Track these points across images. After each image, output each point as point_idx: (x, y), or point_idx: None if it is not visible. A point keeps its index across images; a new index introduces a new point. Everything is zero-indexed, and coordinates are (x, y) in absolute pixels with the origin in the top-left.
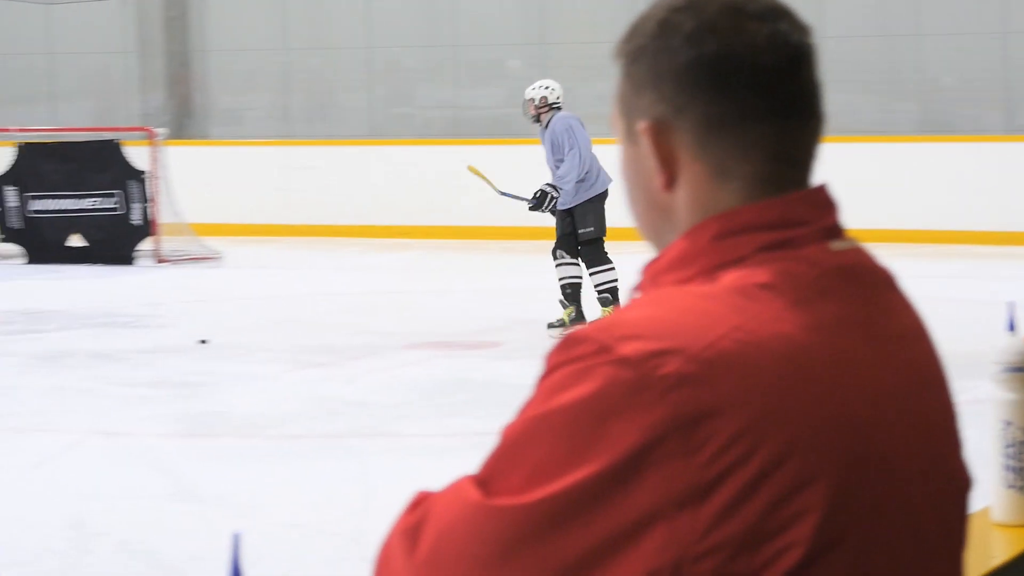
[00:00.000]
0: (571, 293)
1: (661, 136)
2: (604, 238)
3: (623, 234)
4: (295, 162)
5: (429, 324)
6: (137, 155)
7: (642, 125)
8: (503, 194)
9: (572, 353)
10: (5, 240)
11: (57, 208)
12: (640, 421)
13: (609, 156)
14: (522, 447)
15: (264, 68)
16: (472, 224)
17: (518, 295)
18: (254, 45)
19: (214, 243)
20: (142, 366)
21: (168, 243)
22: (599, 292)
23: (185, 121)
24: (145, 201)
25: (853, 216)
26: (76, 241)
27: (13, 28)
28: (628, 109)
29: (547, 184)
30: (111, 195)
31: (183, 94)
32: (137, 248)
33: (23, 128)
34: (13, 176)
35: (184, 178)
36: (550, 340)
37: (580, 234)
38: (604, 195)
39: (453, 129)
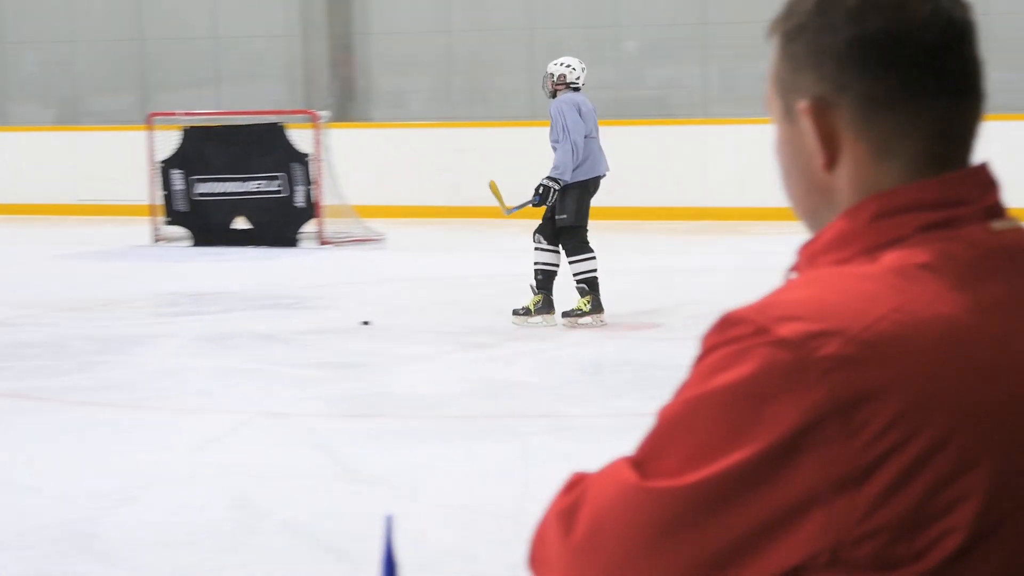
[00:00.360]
0: (541, 280)
1: (822, 115)
2: (584, 226)
3: (778, 214)
4: (457, 144)
5: None
6: (300, 138)
7: (802, 105)
8: (511, 211)
9: (729, 334)
10: (171, 223)
11: (222, 191)
12: (798, 403)
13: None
14: (679, 429)
15: (426, 50)
16: (633, 205)
17: (679, 275)
18: (416, 28)
19: (377, 225)
20: (305, 347)
21: (331, 225)
22: (576, 282)
23: (348, 104)
24: (308, 183)
25: (1015, 196)
26: (240, 223)
27: (179, 14)
28: (785, 88)
29: (546, 178)
30: (275, 178)
31: (346, 77)
32: (301, 230)
33: (189, 112)
34: (179, 159)
35: (347, 160)
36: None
37: (556, 220)
38: (590, 183)
39: (614, 110)
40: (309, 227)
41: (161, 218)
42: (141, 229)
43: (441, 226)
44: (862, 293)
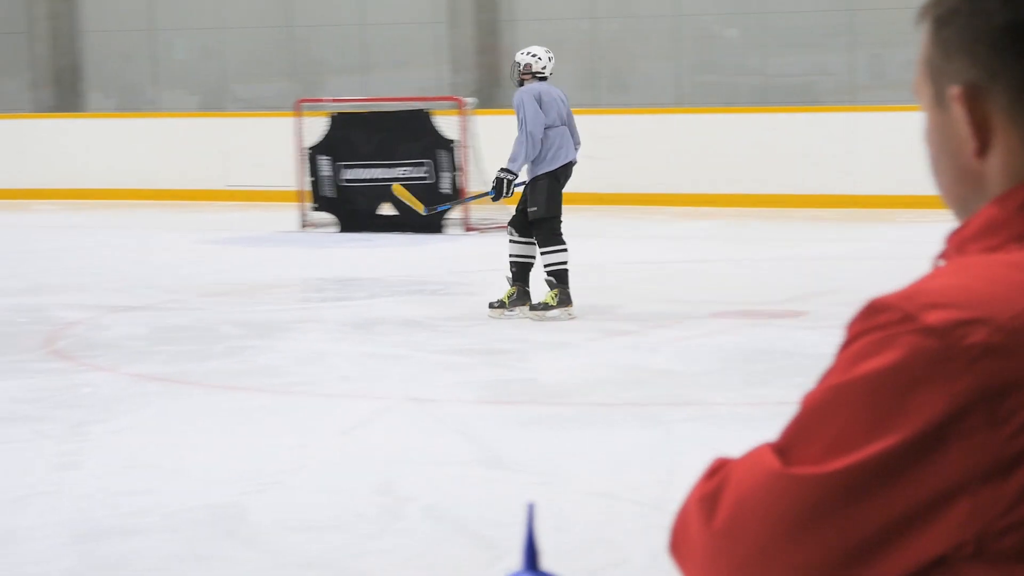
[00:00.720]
0: (516, 272)
1: (974, 102)
2: (557, 217)
3: (925, 201)
4: (601, 131)
5: (734, 293)
6: (446, 124)
7: (954, 91)
8: (429, 212)
9: (875, 321)
10: (318, 209)
11: (368, 177)
12: (944, 392)
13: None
14: (823, 416)
15: (571, 37)
16: (778, 192)
17: (824, 263)
18: (561, 14)
19: None
20: (450, 333)
21: (476, 211)
22: (546, 273)
23: (494, 90)
24: (454, 170)
25: None
26: (387, 210)
27: (328, 1)
28: (936, 74)
29: (500, 170)
30: (421, 164)
31: (492, 63)
32: (446, 217)
33: (336, 99)
34: (326, 146)
35: (492, 147)
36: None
37: (528, 212)
38: (558, 172)
39: (761, 97)
40: (454, 214)
41: (308, 204)
42: (288, 215)
43: (585, 213)
44: (1011, 281)
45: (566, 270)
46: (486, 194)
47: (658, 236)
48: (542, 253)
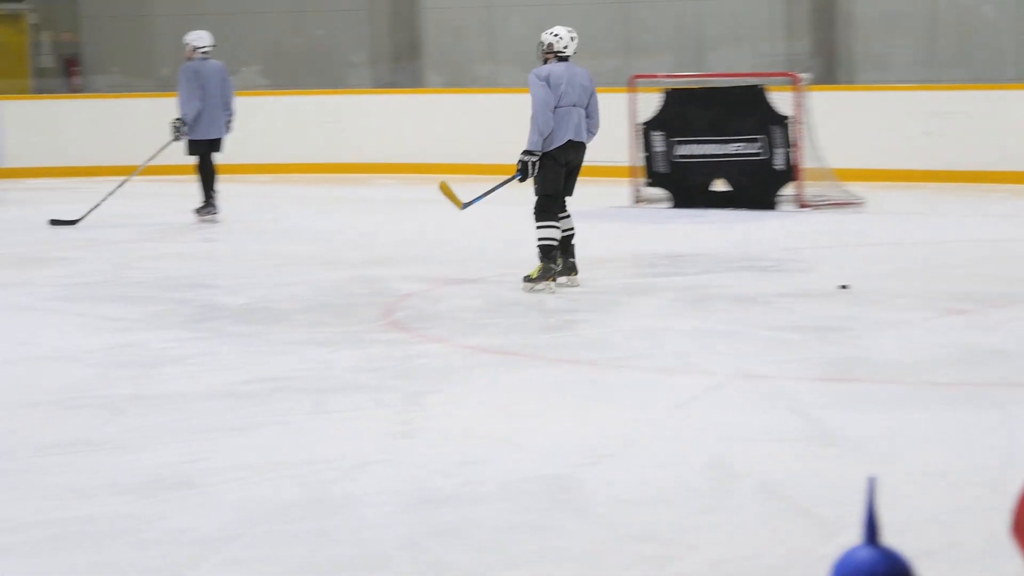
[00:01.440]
0: (550, 248)
1: None
2: (551, 195)
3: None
4: (941, 107)
5: None
6: (781, 100)
7: None
8: (467, 205)
9: None
10: (651, 184)
11: (702, 153)
12: None
13: None
14: None
15: (910, 11)
16: None
17: None
18: None
19: (856, 189)
20: (783, 310)
21: (810, 188)
22: (537, 248)
23: (829, 66)
24: (788, 146)
25: None
26: (719, 186)
27: None
28: None
29: (522, 152)
30: (755, 140)
31: (827, 39)
32: (779, 193)
33: (670, 75)
34: (660, 121)
35: (827, 123)
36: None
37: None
38: (557, 152)
39: None
40: (788, 190)
41: (641, 179)
42: (621, 190)
43: (923, 190)
44: None
45: (552, 246)
46: (514, 178)
47: (998, 214)
48: (535, 228)
